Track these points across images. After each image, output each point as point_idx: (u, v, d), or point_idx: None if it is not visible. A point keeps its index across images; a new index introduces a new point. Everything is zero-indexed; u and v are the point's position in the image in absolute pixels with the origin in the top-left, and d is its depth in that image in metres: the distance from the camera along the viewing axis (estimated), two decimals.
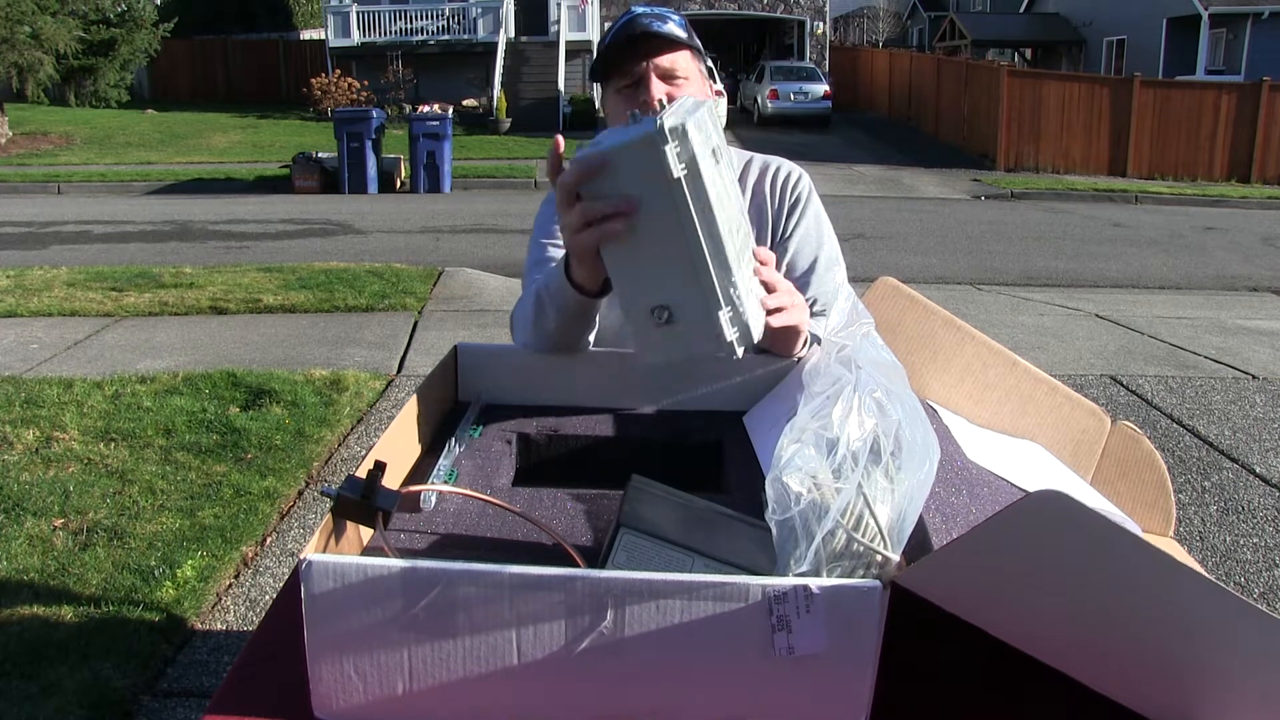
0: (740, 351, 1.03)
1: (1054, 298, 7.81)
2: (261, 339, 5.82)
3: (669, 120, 0.95)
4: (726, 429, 1.23)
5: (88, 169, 15.20)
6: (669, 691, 0.79)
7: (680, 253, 0.99)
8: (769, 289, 1.15)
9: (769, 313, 1.15)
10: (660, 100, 1.32)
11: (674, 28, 1.47)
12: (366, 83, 21.75)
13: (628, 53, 1.45)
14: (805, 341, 1.31)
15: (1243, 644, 0.73)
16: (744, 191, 1.60)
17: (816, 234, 1.58)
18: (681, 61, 1.46)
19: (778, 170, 1.61)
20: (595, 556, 0.91)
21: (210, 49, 26.47)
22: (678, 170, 0.95)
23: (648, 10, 1.49)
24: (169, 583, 2.93)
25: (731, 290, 1.00)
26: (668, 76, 1.46)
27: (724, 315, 1.00)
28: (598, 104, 24.05)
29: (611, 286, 1.18)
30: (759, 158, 1.64)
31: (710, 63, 1.60)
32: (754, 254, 1.14)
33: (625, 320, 1.06)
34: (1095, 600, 0.75)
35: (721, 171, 1.04)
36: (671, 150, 0.94)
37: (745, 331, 1.02)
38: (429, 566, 0.77)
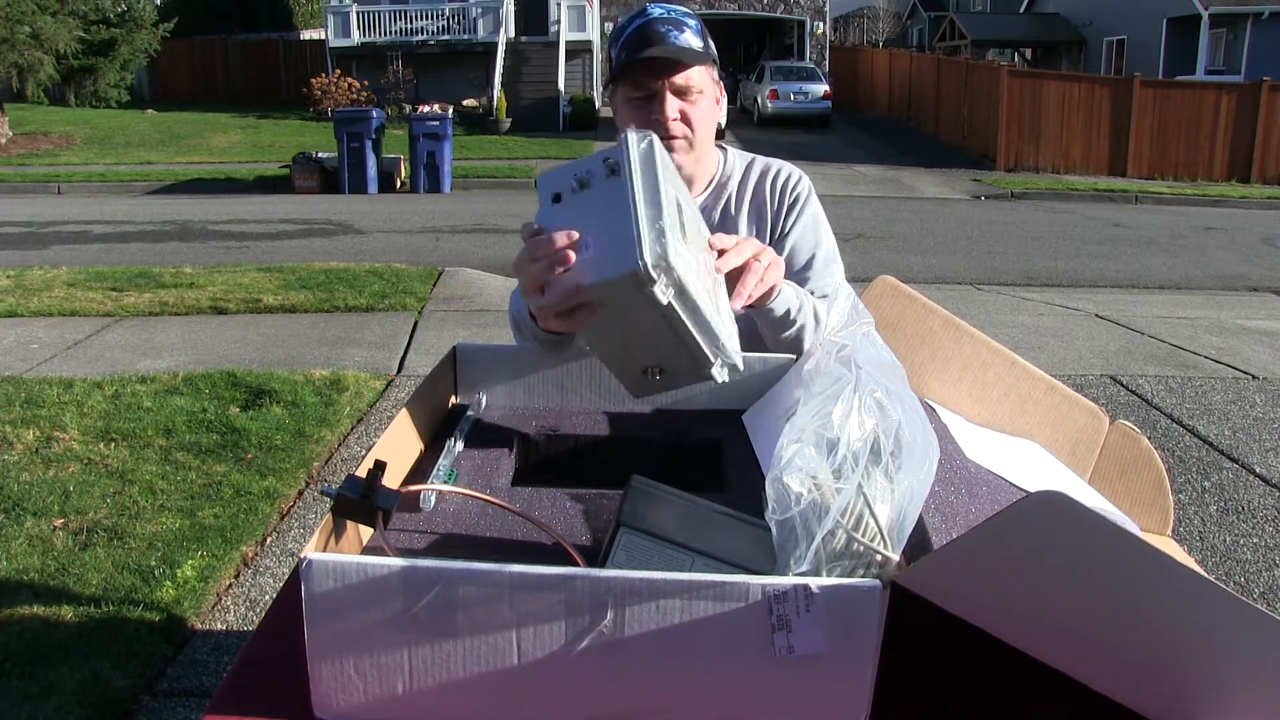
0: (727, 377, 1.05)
1: (1054, 298, 7.81)
2: (261, 339, 5.82)
3: (649, 254, 0.90)
4: (726, 428, 1.23)
5: (88, 169, 15.21)
6: (669, 691, 0.79)
7: (666, 336, 0.99)
8: (720, 254, 1.12)
9: (731, 284, 1.13)
10: (660, 123, 1.33)
11: (690, 37, 1.46)
12: (366, 83, 21.75)
13: (644, 69, 1.45)
14: (781, 295, 1.28)
15: (1242, 644, 0.73)
16: (745, 192, 1.61)
17: (814, 232, 1.59)
18: (696, 77, 1.46)
19: (779, 172, 1.62)
20: (595, 556, 0.91)
21: (210, 49, 26.48)
22: (665, 298, 0.92)
23: (665, 13, 1.47)
24: (169, 583, 2.93)
25: (718, 345, 1.01)
26: (682, 92, 1.46)
27: (715, 369, 1.02)
28: (598, 104, 24.06)
29: None
30: (761, 160, 1.65)
31: (719, 67, 1.58)
32: (709, 242, 1.12)
33: (612, 370, 1.06)
34: (1095, 600, 0.75)
35: (689, 243, 1.00)
36: (660, 287, 0.91)
37: (734, 369, 1.04)
38: (429, 566, 0.77)
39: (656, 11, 1.48)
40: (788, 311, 1.31)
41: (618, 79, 1.48)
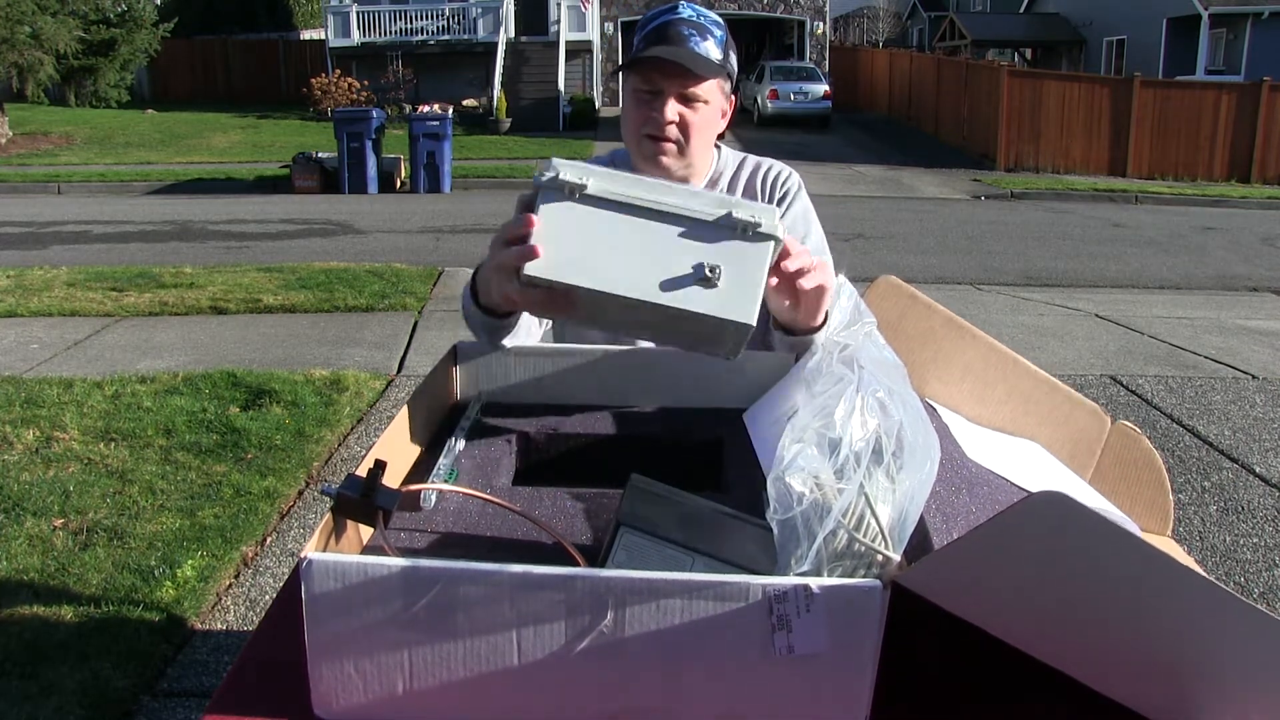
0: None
1: (1054, 298, 7.81)
2: (261, 339, 5.82)
3: (545, 174, 1.02)
4: (726, 427, 1.23)
5: (88, 169, 15.20)
6: (669, 691, 0.79)
7: (659, 229, 1.00)
8: (782, 256, 1.10)
9: (794, 274, 1.11)
10: (668, 124, 1.41)
11: (711, 47, 1.45)
12: (366, 83, 21.75)
13: (654, 67, 1.44)
14: (830, 306, 1.22)
15: (1242, 644, 0.73)
16: (736, 188, 1.63)
17: (805, 223, 1.61)
18: (705, 87, 1.45)
19: (769, 168, 1.64)
20: (595, 556, 0.91)
21: (210, 49, 26.47)
22: (579, 179, 1.00)
23: (694, 15, 1.45)
24: (169, 583, 2.93)
25: (731, 212, 1.01)
26: (687, 99, 1.46)
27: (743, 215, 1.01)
28: (598, 104, 24.02)
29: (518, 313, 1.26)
30: (752, 158, 1.67)
31: (734, 81, 1.57)
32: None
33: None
34: (1095, 600, 0.75)
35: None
36: (561, 180, 1.01)
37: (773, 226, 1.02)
38: (429, 565, 0.77)
39: (686, 12, 1.46)
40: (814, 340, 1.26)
41: (629, 68, 1.47)
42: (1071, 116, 17.69)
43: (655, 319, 1.02)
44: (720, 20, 1.51)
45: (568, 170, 1.01)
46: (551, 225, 1.00)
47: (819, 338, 1.27)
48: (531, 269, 0.99)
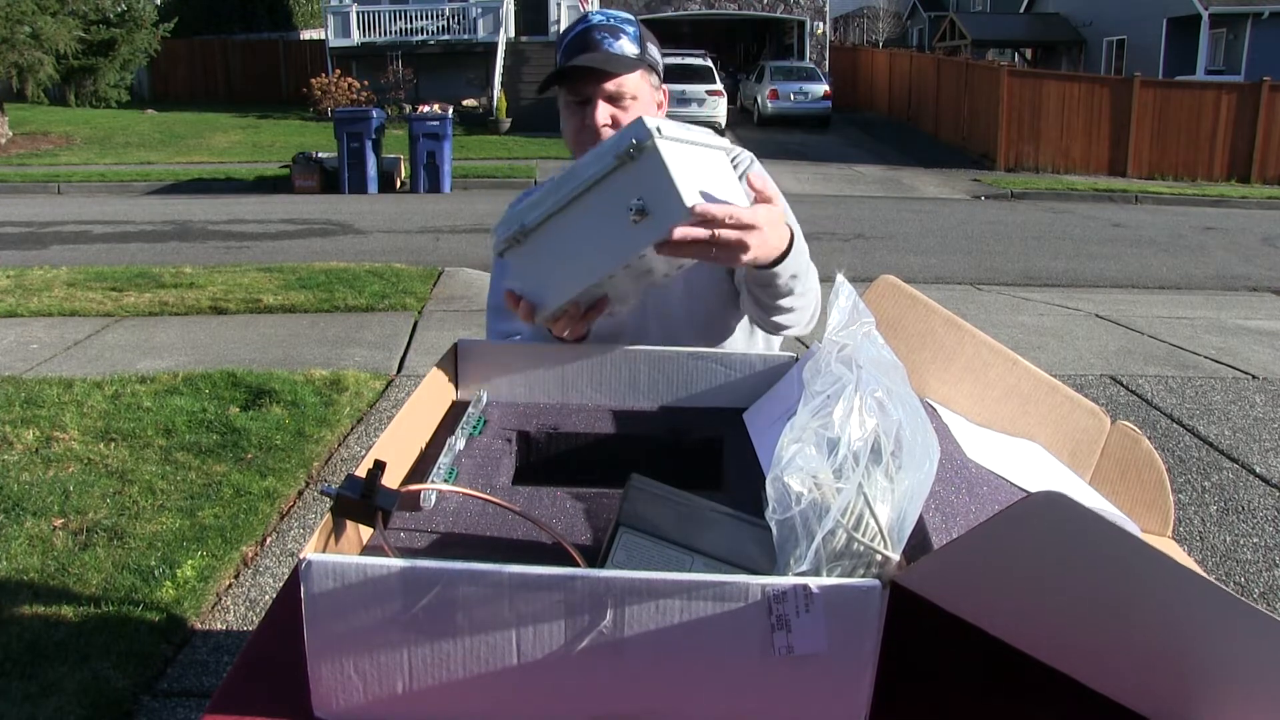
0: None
1: (1054, 298, 7.81)
2: (261, 339, 5.82)
3: (501, 234, 1.19)
4: (726, 426, 1.23)
5: (88, 169, 15.21)
6: (668, 691, 0.79)
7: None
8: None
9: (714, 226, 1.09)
10: (605, 126, 1.45)
11: (626, 44, 1.48)
12: (366, 83, 21.74)
13: (576, 76, 1.48)
14: (782, 241, 1.23)
15: (1242, 644, 0.73)
16: None
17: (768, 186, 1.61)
18: (629, 83, 1.48)
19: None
20: (595, 556, 0.91)
21: (210, 49, 26.47)
22: (515, 228, 1.17)
23: (604, 19, 1.50)
24: (169, 583, 2.93)
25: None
26: (615, 99, 1.48)
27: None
28: None
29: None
30: None
31: (660, 72, 1.58)
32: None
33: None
34: (1095, 600, 0.75)
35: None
36: (504, 240, 1.18)
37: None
38: (429, 566, 0.77)
39: (596, 19, 1.51)
40: (782, 280, 1.29)
41: (556, 83, 1.50)
42: (1071, 116, 17.69)
43: (644, 264, 1.13)
44: (632, 18, 1.54)
45: (503, 229, 1.18)
46: (525, 273, 1.18)
47: (789, 270, 1.28)
48: (539, 317, 1.18)
